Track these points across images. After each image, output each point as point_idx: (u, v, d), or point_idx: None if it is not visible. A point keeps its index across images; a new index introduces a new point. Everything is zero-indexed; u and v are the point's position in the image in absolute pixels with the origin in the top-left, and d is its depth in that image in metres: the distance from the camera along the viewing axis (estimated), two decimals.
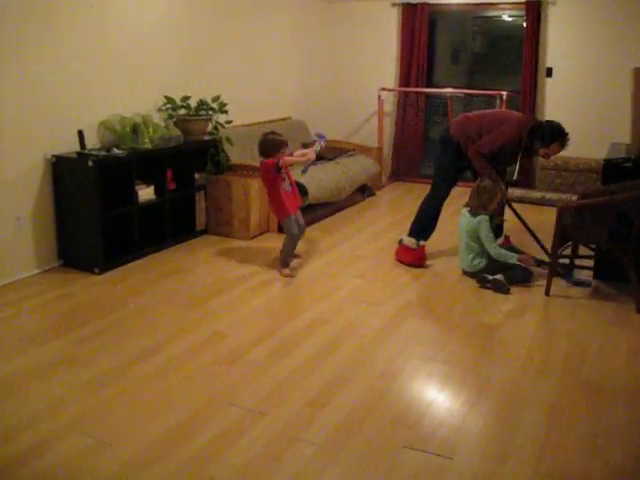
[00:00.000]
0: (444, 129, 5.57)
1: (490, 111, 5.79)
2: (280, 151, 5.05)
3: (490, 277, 4.90)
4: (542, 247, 5.30)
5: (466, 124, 5.35)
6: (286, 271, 5.19)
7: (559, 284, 4.93)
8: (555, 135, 5.06)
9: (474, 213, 5.04)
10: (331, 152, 7.84)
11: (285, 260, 5.27)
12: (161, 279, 5.06)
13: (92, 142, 5.35)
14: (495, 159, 5.20)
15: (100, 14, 5.35)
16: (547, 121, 5.28)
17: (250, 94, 7.41)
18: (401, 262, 5.46)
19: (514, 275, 4.95)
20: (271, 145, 5.08)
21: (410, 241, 5.47)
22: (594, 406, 3.32)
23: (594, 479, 2.74)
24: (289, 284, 5.01)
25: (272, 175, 5.08)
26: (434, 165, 5.72)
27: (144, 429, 3.06)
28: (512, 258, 4.96)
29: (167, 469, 2.78)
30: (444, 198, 5.52)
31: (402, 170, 8.95)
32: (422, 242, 5.46)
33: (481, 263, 5.03)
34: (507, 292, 4.82)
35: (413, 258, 5.42)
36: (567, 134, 5.07)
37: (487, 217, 5.00)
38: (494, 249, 4.96)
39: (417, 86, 8.55)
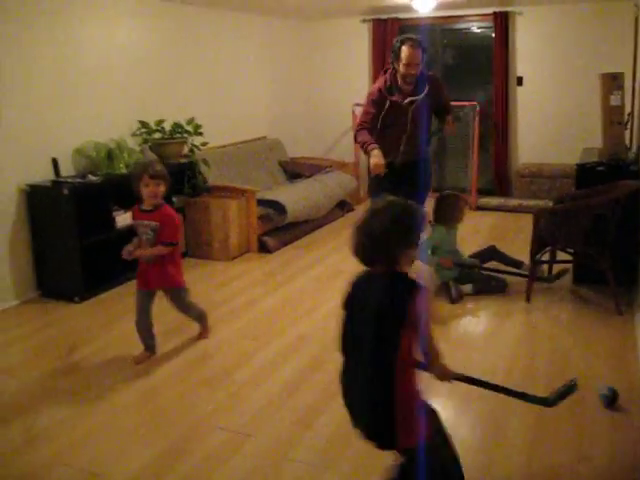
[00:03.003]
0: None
1: None
2: (141, 182, 3.87)
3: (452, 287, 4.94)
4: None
5: None
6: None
7: (538, 290, 4.96)
8: (397, 41, 4.70)
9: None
10: (308, 169, 7.89)
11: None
12: None
13: (67, 169, 5.33)
14: (384, 129, 4.82)
15: (71, 40, 5.35)
16: None
17: (225, 115, 7.42)
18: None
19: (483, 286, 4.99)
20: (132, 175, 4.01)
21: None
22: (578, 409, 3.34)
23: (580, 476, 2.76)
24: (272, 303, 5.00)
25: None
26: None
27: (131, 456, 3.03)
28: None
29: None
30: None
31: None
32: None
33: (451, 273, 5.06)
34: (455, 302, 4.85)
35: None
36: (409, 36, 4.69)
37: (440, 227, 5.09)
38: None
39: None
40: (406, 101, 4.77)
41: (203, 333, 4.38)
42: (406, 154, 4.88)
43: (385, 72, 4.85)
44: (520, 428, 3.18)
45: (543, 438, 3.09)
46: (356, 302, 2.22)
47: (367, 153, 4.71)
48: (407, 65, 4.64)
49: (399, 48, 4.64)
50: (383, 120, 4.80)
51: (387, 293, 2.10)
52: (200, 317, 4.34)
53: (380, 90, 4.78)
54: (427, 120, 4.94)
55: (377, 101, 4.77)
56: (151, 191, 3.87)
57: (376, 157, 4.63)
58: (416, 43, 4.62)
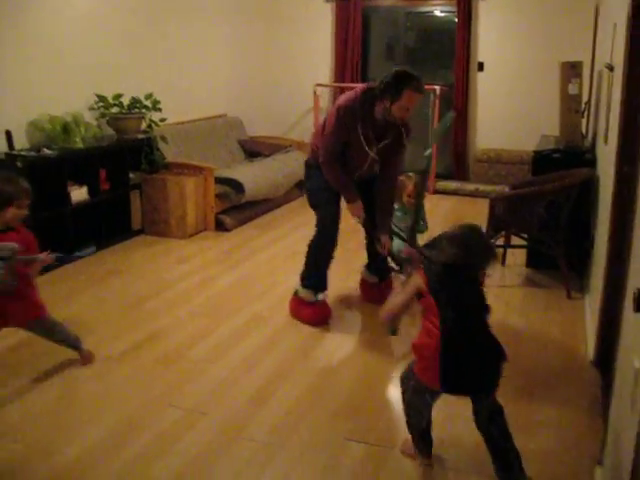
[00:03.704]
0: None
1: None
2: (15, 203, 3.22)
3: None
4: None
5: (313, 141, 4.39)
6: None
7: (492, 274, 5.04)
8: (396, 77, 3.83)
9: None
10: (267, 148, 7.85)
11: None
12: (97, 281, 4.97)
13: (21, 143, 5.21)
14: (350, 158, 4.12)
15: (25, 9, 5.22)
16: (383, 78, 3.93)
17: (184, 91, 7.33)
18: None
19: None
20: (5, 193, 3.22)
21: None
22: (528, 391, 3.41)
23: (529, 460, 2.81)
24: (228, 282, 4.99)
25: None
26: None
27: (84, 433, 3.01)
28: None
29: (107, 473, 2.74)
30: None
31: None
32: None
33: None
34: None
35: None
36: (414, 76, 3.85)
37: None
38: None
39: (352, 82, 8.58)
40: (373, 151, 4.07)
41: (83, 359, 3.66)
42: (363, 174, 4.24)
43: (364, 92, 3.98)
44: (470, 407, 3.23)
45: None
46: (453, 293, 2.62)
47: (343, 195, 4.21)
48: (406, 110, 3.88)
49: (401, 90, 3.80)
50: (347, 145, 4.06)
51: (481, 297, 2.68)
52: (73, 342, 3.63)
53: (354, 112, 3.94)
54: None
55: (348, 123, 3.95)
56: (24, 213, 3.29)
57: (360, 210, 4.20)
58: (421, 86, 3.87)
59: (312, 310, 4.31)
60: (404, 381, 2.79)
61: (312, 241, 4.36)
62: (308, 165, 4.37)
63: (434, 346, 2.58)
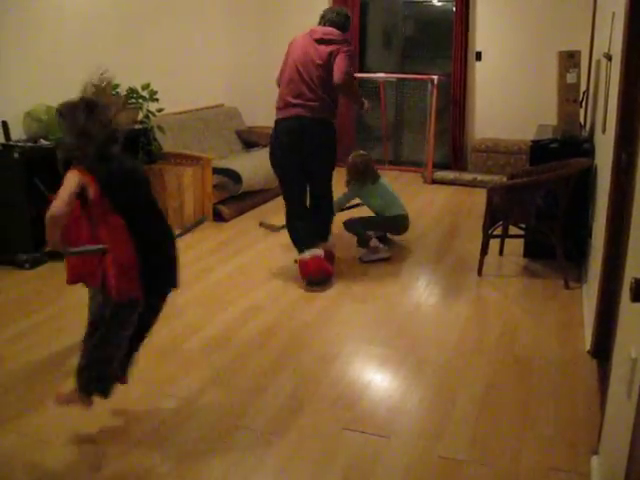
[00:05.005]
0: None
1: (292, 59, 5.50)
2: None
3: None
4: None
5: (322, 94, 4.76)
6: None
7: (490, 264, 5.04)
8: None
9: None
10: (265, 138, 7.82)
11: None
12: None
13: (17, 133, 5.19)
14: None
15: (24, 1, 5.19)
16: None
17: (181, 81, 7.30)
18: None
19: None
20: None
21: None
22: (526, 381, 3.42)
23: (526, 450, 2.83)
24: (225, 272, 4.99)
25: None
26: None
27: (80, 423, 3.01)
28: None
29: (105, 464, 2.75)
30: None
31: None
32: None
33: None
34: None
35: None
36: None
37: None
38: None
39: None
40: None
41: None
42: None
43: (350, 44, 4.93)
44: (468, 398, 3.24)
45: (490, 407, 3.15)
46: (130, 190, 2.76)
47: (361, 101, 5.02)
48: None
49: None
50: None
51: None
52: None
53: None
54: None
55: None
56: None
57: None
58: None
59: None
60: (101, 324, 2.80)
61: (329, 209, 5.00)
62: (329, 123, 4.74)
63: (132, 255, 2.56)
